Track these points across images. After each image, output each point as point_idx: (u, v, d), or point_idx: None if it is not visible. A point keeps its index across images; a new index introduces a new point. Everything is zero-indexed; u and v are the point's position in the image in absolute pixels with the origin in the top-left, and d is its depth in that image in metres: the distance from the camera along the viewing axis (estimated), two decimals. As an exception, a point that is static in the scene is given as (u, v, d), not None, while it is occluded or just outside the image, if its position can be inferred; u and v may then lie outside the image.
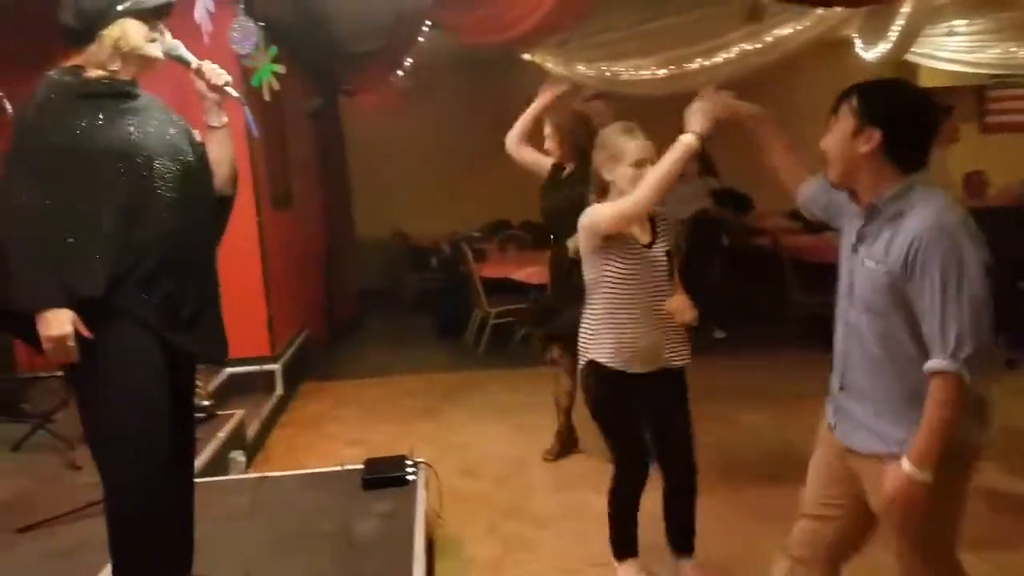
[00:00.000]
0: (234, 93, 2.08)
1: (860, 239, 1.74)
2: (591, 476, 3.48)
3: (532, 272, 5.64)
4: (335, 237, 7.49)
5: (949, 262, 1.56)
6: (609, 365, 2.53)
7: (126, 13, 1.95)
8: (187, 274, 2.07)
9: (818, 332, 1.85)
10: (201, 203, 2.14)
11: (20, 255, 1.86)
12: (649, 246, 2.56)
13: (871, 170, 1.68)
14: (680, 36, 5.30)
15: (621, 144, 2.49)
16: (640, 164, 2.45)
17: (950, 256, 1.56)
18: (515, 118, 4.02)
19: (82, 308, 1.89)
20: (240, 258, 4.76)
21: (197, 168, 2.13)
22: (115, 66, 1.99)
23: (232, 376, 4.75)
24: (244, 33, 4.36)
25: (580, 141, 3.50)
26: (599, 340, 2.56)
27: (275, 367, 4.93)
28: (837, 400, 1.85)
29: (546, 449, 4.01)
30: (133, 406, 1.96)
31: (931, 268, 1.57)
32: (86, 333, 1.89)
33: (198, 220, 2.12)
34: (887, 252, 1.64)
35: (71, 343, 1.86)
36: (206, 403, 3.95)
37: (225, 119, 2.16)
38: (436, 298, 7.59)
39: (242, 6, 4.36)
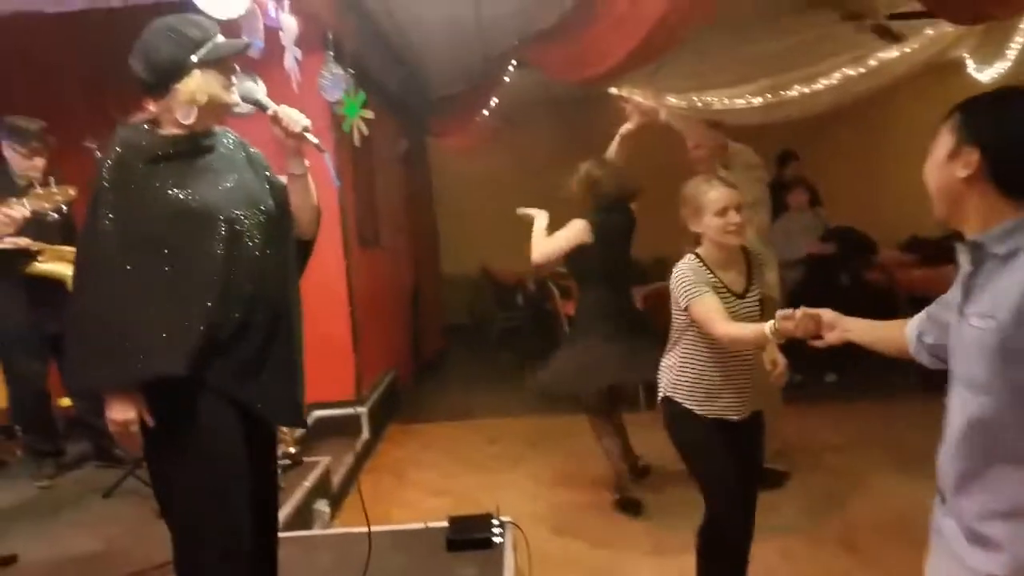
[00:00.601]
0: (313, 139, 1.98)
1: (966, 293, 1.37)
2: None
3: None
4: (422, 275, 7.51)
5: None
6: (697, 412, 2.50)
7: (201, 64, 1.87)
8: (267, 333, 1.98)
9: (938, 375, 1.54)
10: (281, 251, 2.05)
11: (88, 334, 1.81)
12: (743, 295, 2.49)
13: (976, 201, 1.34)
14: (777, 62, 5.05)
15: (702, 195, 2.46)
16: (724, 212, 2.42)
17: None
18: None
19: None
20: (328, 299, 4.77)
21: (277, 215, 2.04)
22: (191, 119, 1.90)
23: (318, 420, 4.72)
24: (334, 80, 4.41)
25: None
26: (686, 385, 2.52)
27: (361, 411, 4.88)
28: (935, 515, 1.46)
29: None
30: (209, 476, 1.88)
31: None
32: (149, 422, 1.83)
33: (279, 271, 2.03)
34: (996, 303, 1.27)
35: (134, 428, 1.81)
36: (291, 450, 3.91)
37: (306, 165, 2.06)
38: (522, 336, 7.46)
39: (331, 54, 4.41)
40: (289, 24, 3.67)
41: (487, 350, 8.17)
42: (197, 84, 1.87)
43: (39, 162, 3.50)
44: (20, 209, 2.66)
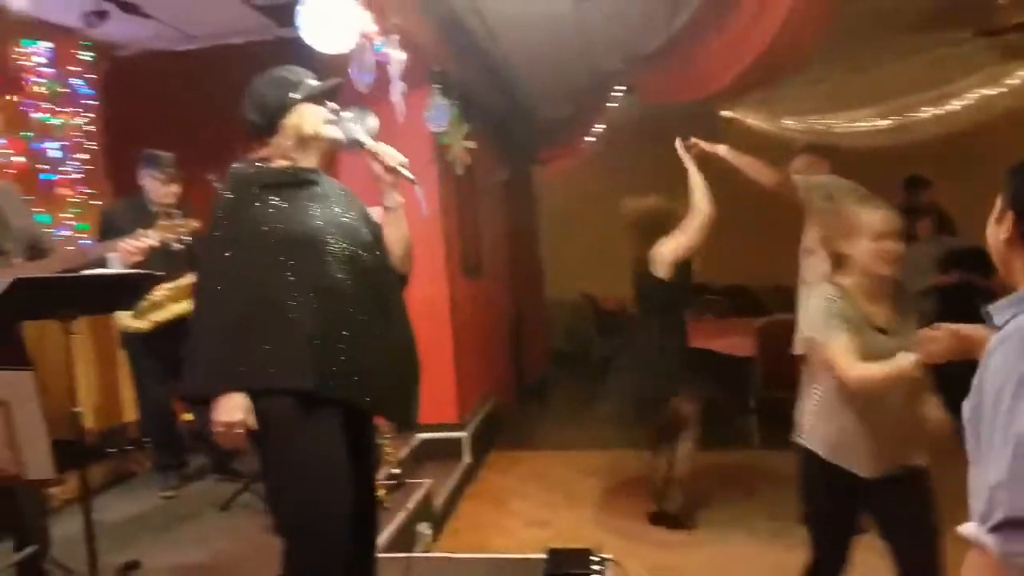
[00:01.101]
0: (408, 175, 2.06)
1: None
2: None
3: (733, 343, 5.24)
4: (524, 302, 7.54)
5: (1009, 375, 1.09)
6: (827, 459, 2.25)
7: (303, 100, 2.04)
8: (376, 346, 2.06)
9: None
10: (383, 275, 2.14)
11: (203, 341, 1.94)
12: (891, 332, 2.18)
13: (1019, 264, 1.29)
14: (903, 83, 4.76)
15: (858, 215, 2.19)
16: (883, 237, 2.14)
17: (1013, 365, 1.09)
18: (709, 178, 3.85)
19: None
20: (430, 326, 4.86)
21: (373, 244, 2.14)
22: (297, 154, 2.06)
23: (422, 443, 4.80)
24: (439, 112, 4.53)
25: None
26: (819, 428, 2.29)
27: (463, 435, 4.92)
28: None
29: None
30: (312, 487, 1.96)
31: (987, 382, 1.13)
32: (253, 426, 1.91)
33: (382, 291, 2.12)
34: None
35: (240, 430, 1.90)
36: (395, 471, 3.99)
37: (400, 200, 2.16)
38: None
39: (437, 87, 4.53)
40: (396, 58, 3.81)
41: (592, 378, 8.06)
42: (301, 118, 2.04)
43: (174, 188, 3.81)
44: (148, 239, 2.86)
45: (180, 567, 3.15)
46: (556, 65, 6.41)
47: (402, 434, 4.23)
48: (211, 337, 1.95)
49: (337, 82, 2.17)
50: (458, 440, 4.90)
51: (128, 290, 2.91)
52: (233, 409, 1.90)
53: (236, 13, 4.45)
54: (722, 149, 3.76)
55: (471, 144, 5.00)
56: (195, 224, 2.97)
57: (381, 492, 3.68)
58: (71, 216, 4.40)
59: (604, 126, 7.46)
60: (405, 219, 2.17)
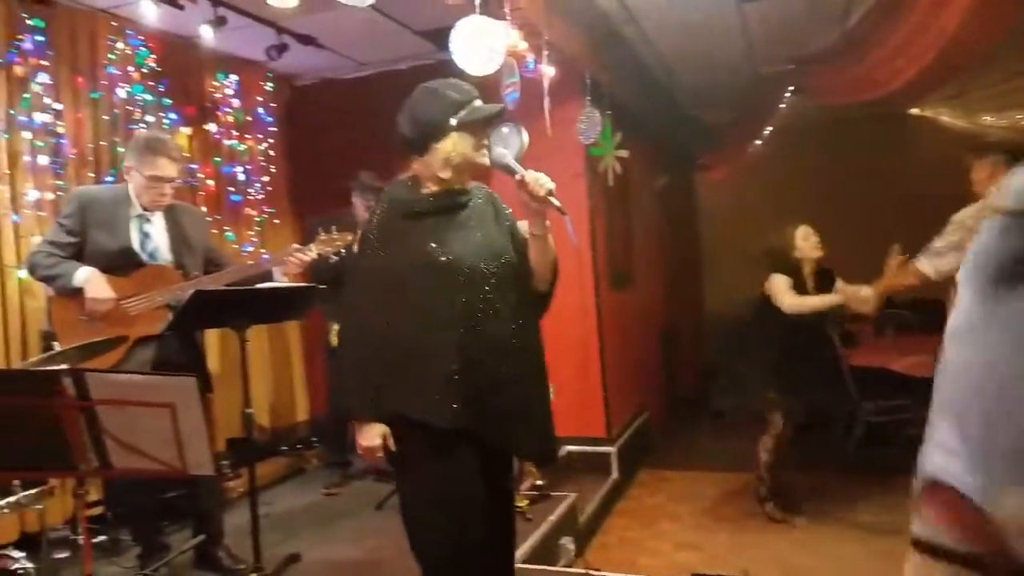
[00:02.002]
0: (556, 203, 2.03)
1: None
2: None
3: (917, 363, 4.78)
4: (679, 315, 7.33)
5: None
6: None
7: (459, 127, 2.04)
8: (509, 373, 2.06)
9: None
10: (520, 297, 2.14)
11: (350, 369, 2.06)
12: None
13: None
14: None
15: None
16: None
17: None
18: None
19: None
20: (578, 338, 4.87)
21: (517, 264, 2.14)
22: (448, 174, 2.08)
23: (569, 455, 4.80)
24: (590, 124, 4.53)
25: None
26: None
27: (611, 450, 4.86)
28: None
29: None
30: (443, 513, 2.00)
31: None
32: (392, 448, 2.00)
33: (518, 316, 2.12)
34: None
35: (379, 453, 2.01)
36: (539, 482, 4.02)
37: (547, 225, 2.13)
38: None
39: (588, 98, 4.54)
40: (546, 73, 3.86)
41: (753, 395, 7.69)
42: (453, 144, 2.05)
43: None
44: (309, 253, 3.11)
45: (336, 562, 3.36)
46: (718, 68, 6.21)
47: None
48: (355, 361, 2.06)
49: (497, 109, 2.14)
50: (606, 455, 4.85)
51: (296, 303, 3.17)
52: (372, 435, 2.01)
53: (401, 40, 4.74)
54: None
55: (623, 153, 4.95)
56: (349, 238, 3.16)
57: (523, 503, 3.74)
58: (254, 234, 4.86)
59: (771, 129, 7.12)
60: (552, 244, 2.15)
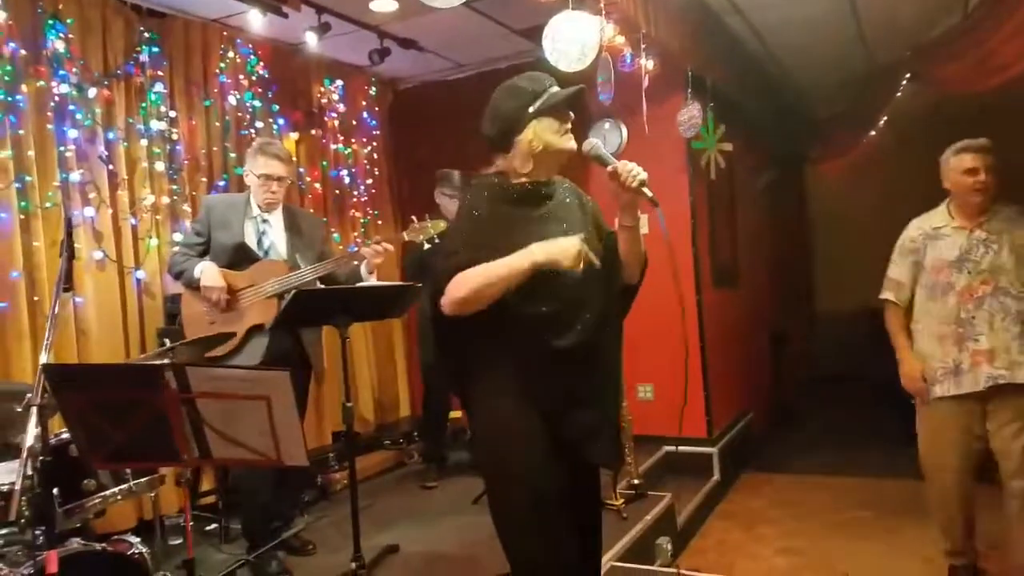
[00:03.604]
0: (648, 194, 1.96)
1: None
2: None
3: None
4: (789, 315, 7.02)
5: None
6: None
7: (538, 114, 1.99)
8: (585, 369, 2.00)
9: None
10: (605, 294, 2.06)
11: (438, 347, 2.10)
12: None
13: None
14: None
15: None
16: None
17: None
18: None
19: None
20: (679, 337, 4.72)
21: (604, 259, 2.05)
22: (529, 167, 2.03)
23: (669, 455, 4.69)
24: (691, 118, 4.41)
25: None
26: None
27: (712, 451, 4.72)
28: None
29: None
30: (521, 506, 1.96)
31: None
32: None
33: (601, 312, 2.03)
34: None
35: None
36: (636, 481, 3.95)
37: (638, 217, 2.07)
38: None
39: (689, 91, 4.41)
40: (645, 68, 3.78)
41: (866, 402, 7.30)
42: (534, 133, 2.00)
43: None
44: (388, 246, 3.20)
45: (433, 554, 3.41)
46: (830, 57, 5.92)
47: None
48: (441, 345, 2.09)
49: (576, 90, 2.03)
50: (708, 456, 4.72)
51: (395, 302, 3.24)
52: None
53: (499, 39, 4.78)
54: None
55: (727, 147, 4.79)
56: (442, 224, 3.21)
57: (619, 502, 3.69)
58: (358, 235, 5.01)
59: (887, 119, 6.71)
60: (641, 235, 2.08)
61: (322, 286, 3.39)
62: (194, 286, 3.21)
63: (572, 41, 3.16)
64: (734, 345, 5.40)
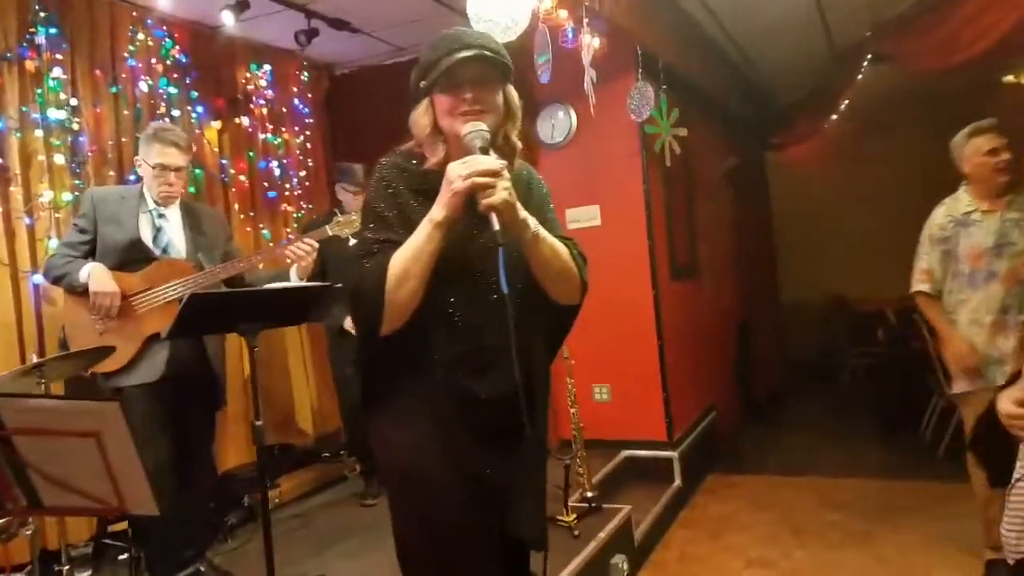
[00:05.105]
0: (484, 202, 1.50)
1: None
2: None
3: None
4: (754, 306, 6.78)
5: None
6: None
7: (432, 88, 1.61)
8: (505, 401, 1.60)
9: None
10: (529, 313, 1.68)
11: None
12: None
13: None
14: None
15: None
16: None
17: None
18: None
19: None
20: (635, 334, 4.47)
21: (524, 274, 1.68)
22: (440, 151, 1.63)
23: (626, 460, 4.42)
24: (642, 99, 4.13)
25: None
26: None
27: (672, 454, 4.44)
28: None
29: None
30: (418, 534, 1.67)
31: None
32: None
33: (521, 331, 1.61)
34: None
35: None
36: (589, 494, 3.66)
37: (528, 228, 1.59)
38: (880, 380, 6.31)
39: (640, 71, 4.12)
40: (588, 44, 3.48)
41: (835, 393, 7.12)
42: (421, 113, 1.63)
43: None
44: (319, 236, 2.90)
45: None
46: (788, 38, 5.68)
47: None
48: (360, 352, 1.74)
49: (461, 58, 1.57)
50: (668, 460, 4.43)
51: (311, 303, 2.90)
52: None
53: (440, 20, 4.42)
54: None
55: (682, 131, 4.51)
56: None
57: (570, 518, 3.39)
58: (291, 231, 4.64)
59: (849, 103, 6.50)
60: (554, 247, 1.65)
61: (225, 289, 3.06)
62: (80, 291, 2.85)
63: (499, 8, 2.83)
64: (696, 340, 5.14)
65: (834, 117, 6.73)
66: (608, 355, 4.53)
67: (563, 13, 3.48)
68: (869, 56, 5.55)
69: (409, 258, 1.53)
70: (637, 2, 3.99)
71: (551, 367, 1.84)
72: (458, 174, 1.49)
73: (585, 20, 3.44)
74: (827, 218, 7.96)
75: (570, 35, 3.52)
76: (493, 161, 1.52)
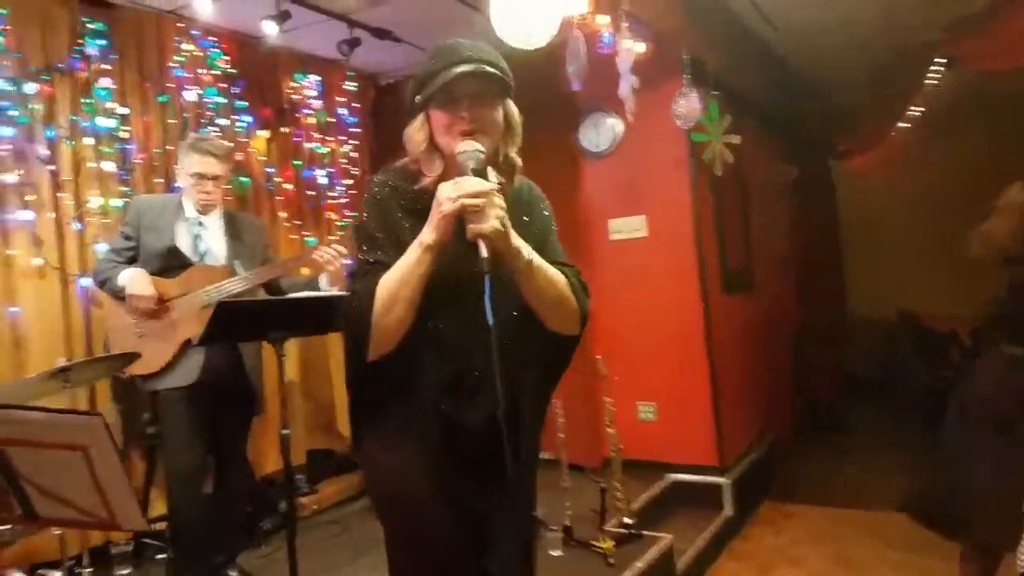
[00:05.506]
0: (475, 229, 1.43)
1: None
2: None
3: None
4: (816, 322, 6.48)
5: None
6: None
7: (428, 102, 1.54)
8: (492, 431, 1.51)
9: None
10: (527, 341, 1.61)
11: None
12: None
13: None
14: None
15: None
16: None
17: None
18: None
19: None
20: (683, 349, 4.29)
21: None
22: (437, 168, 1.56)
23: (672, 485, 4.23)
24: (688, 106, 3.97)
25: None
26: None
27: (723, 481, 4.22)
28: None
29: None
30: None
31: None
32: None
33: (519, 359, 1.57)
34: None
35: None
36: (628, 520, 3.50)
37: (519, 255, 1.50)
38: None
39: (687, 76, 3.97)
40: (625, 50, 3.35)
41: (901, 416, 6.73)
42: (416, 129, 1.57)
43: None
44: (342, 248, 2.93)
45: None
46: (851, 41, 5.41)
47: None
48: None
49: (459, 74, 1.51)
50: (717, 487, 4.21)
51: (335, 312, 2.87)
52: None
53: (485, 29, 4.36)
54: None
55: (734, 139, 4.33)
56: None
57: (607, 544, 3.25)
58: (337, 239, 4.63)
59: (922, 108, 6.18)
60: (548, 274, 1.56)
61: (264, 295, 3.10)
62: (121, 295, 2.93)
63: (525, 16, 2.70)
64: (749, 355, 4.91)
65: (904, 123, 6.41)
66: (654, 371, 4.36)
67: (603, 19, 3.37)
68: (943, 59, 5.27)
69: (398, 280, 1.47)
70: (682, 4, 3.84)
71: (549, 396, 1.75)
72: (447, 196, 1.42)
73: (624, 25, 3.31)
74: (896, 228, 7.58)
75: (607, 40, 3.39)
76: (484, 184, 1.44)
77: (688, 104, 3.91)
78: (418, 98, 1.56)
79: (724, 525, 4.10)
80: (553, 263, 1.59)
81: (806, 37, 5.30)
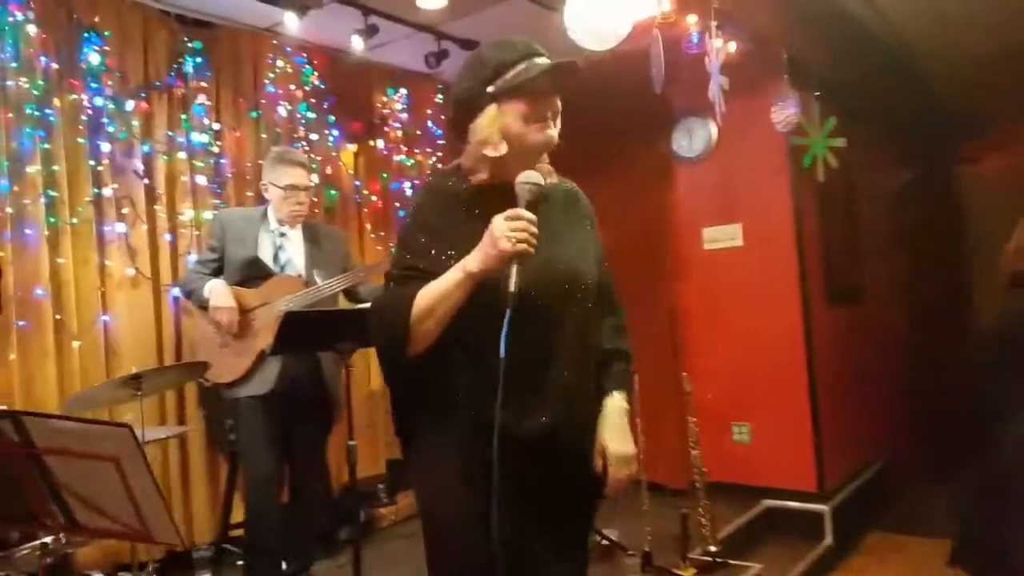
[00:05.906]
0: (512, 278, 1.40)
1: None
2: None
3: None
4: (936, 337, 5.94)
5: None
6: None
7: (499, 94, 1.49)
8: (553, 434, 1.51)
9: None
10: (586, 330, 1.59)
11: None
12: None
13: None
14: None
15: None
16: None
17: None
18: None
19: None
20: (781, 367, 4.02)
21: (592, 288, 1.60)
22: (485, 164, 1.53)
23: (767, 511, 3.96)
24: (788, 109, 3.71)
25: None
26: None
27: (823, 508, 3.91)
28: None
29: None
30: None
31: None
32: None
33: (579, 371, 1.57)
34: None
35: None
36: (713, 548, 3.28)
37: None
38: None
39: (786, 76, 3.71)
40: (714, 50, 3.15)
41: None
42: (491, 120, 1.50)
43: None
44: None
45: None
46: (975, 33, 4.92)
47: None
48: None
49: (555, 64, 1.49)
50: (817, 514, 3.91)
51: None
52: None
53: (568, 40, 4.26)
54: None
55: (839, 142, 4.03)
56: None
57: (688, 572, 3.05)
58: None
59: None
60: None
61: (346, 305, 3.11)
62: (204, 306, 3.01)
63: (600, 13, 2.57)
64: (857, 373, 4.54)
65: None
66: (749, 390, 4.10)
67: (692, 18, 3.19)
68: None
69: (436, 296, 1.47)
70: (780, 1, 3.60)
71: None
72: (504, 234, 1.38)
73: (713, 24, 3.12)
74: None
75: (694, 40, 3.21)
76: (532, 224, 1.41)
77: (787, 108, 3.66)
78: (491, 88, 1.50)
79: (822, 556, 3.81)
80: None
81: (925, 27, 4.86)
